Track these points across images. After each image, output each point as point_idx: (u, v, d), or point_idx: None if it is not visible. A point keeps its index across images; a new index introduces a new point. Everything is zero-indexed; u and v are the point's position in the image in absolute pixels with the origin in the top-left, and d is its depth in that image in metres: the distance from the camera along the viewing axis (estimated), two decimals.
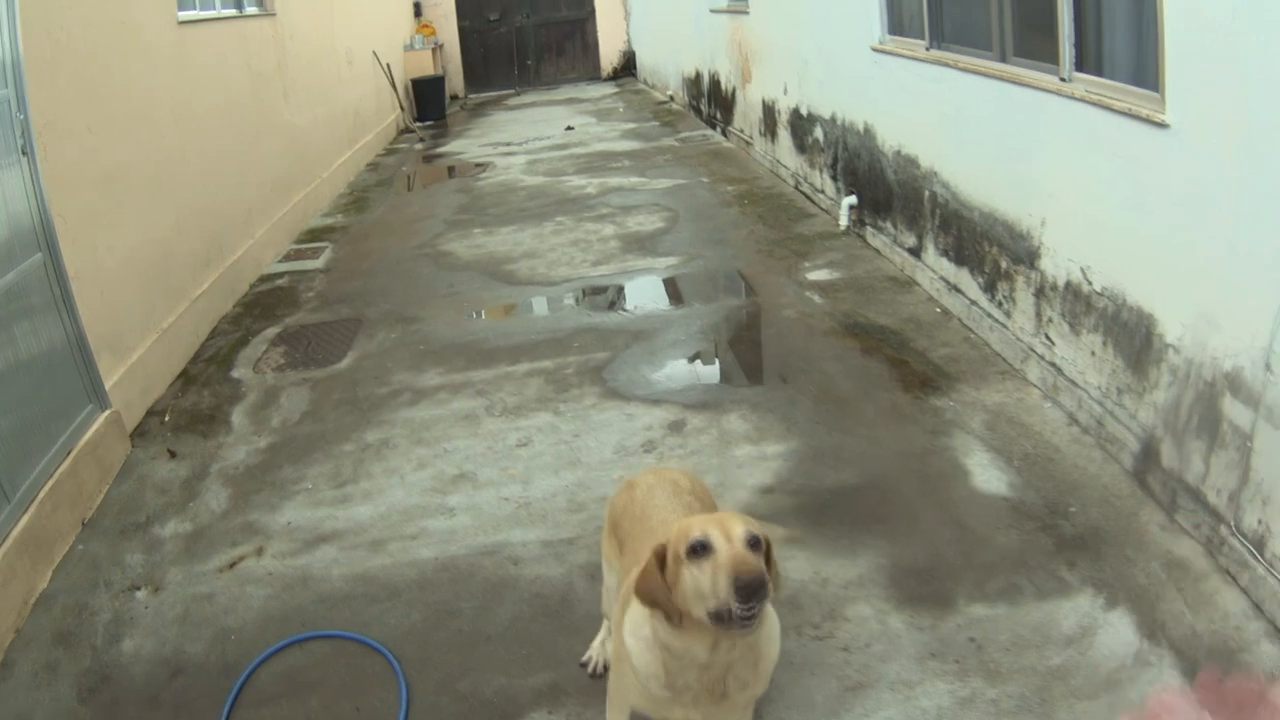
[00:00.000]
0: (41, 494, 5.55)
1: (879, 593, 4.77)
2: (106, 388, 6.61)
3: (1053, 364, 6.35)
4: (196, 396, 7.68)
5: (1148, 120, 5.03)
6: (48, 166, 6.09)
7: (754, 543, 2.80)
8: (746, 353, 7.88)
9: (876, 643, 4.45)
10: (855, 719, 4.06)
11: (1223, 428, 4.63)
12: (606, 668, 4.32)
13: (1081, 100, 5.72)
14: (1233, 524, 4.57)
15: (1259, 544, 4.39)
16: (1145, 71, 5.21)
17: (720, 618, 2.73)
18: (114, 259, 7.20)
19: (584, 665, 4.47)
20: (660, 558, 2.91)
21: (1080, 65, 5.89)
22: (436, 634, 4.78)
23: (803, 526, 5.31)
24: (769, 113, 13.54)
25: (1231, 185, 4.46)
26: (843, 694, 4.18)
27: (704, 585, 2.74)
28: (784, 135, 12.86)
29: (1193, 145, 4.73)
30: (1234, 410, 4.54)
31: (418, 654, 4.65)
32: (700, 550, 2.77)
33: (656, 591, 2.89)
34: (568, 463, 6.14)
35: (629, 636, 3.18)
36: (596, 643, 4.50)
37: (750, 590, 2.65)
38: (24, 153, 5.86)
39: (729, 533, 2.79)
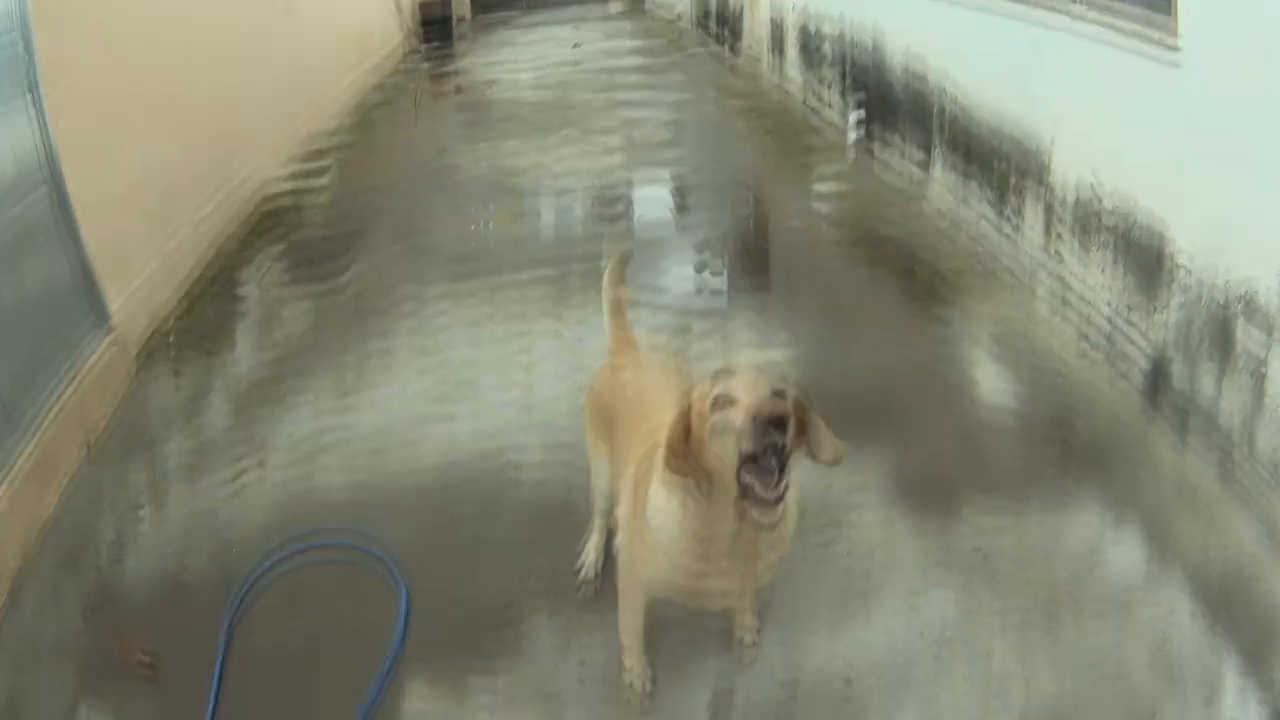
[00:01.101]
0: (46, 421, 5.50)
1: (884, 499, 4.73)
2: (111, 312, 6.55)
3: (1062, 279, 6.26)
4: (201, 315, 7.64)
5: (1159, 43, 4.94)
6: (52, 102, 6.00)
7: (780, 395, 2.73)
8: (752, 261, 7.83)
9: (881, 550, 4.42)
10: (859, 627, 4.03)
11: (1235, 351, 4.54)
12: (598, 575, 4.34)
13: (1093, 22, 5.61)
14: (1246, 449, 4.49)
15: (1273, 470, 4.32)
16: None
17: (743, 481, 2.67)
18: (118, 187, 7.09)
19: (577, 572, 4.42)
20: (685, 423, 2.83)
21: None
22: (437, 541, 4.77)
23: None
24: (777, 29, 13.37)
25: (1245, 108, 4.35)
26: (847, 600, 4.16)
27: (725, 434, 2.68)
28: (792, 51, 12.71)
29: (1205, 67, 4.63)
30: (1248, 335, 4.44)
31: (418, 561, 4.61)
32: (723, 402, 2.70)
33: (675, 442, 2.83)
34: (570, 369, 6.05)
35: (653, 512, 3.11)
36: (589, 546, 4.44)
37: (768, 426, 2.59)
38: (29, 90, 5.79)
39: (752, 385, 2.72)
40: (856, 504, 4.71)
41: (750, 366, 2.84)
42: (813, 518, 4.55)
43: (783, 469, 2.68)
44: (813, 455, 2.94)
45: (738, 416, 2.64)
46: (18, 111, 5.70)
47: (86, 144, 6.56)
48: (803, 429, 2.86)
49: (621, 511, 3.51)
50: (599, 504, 4.30)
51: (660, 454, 2.96)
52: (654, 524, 3.12)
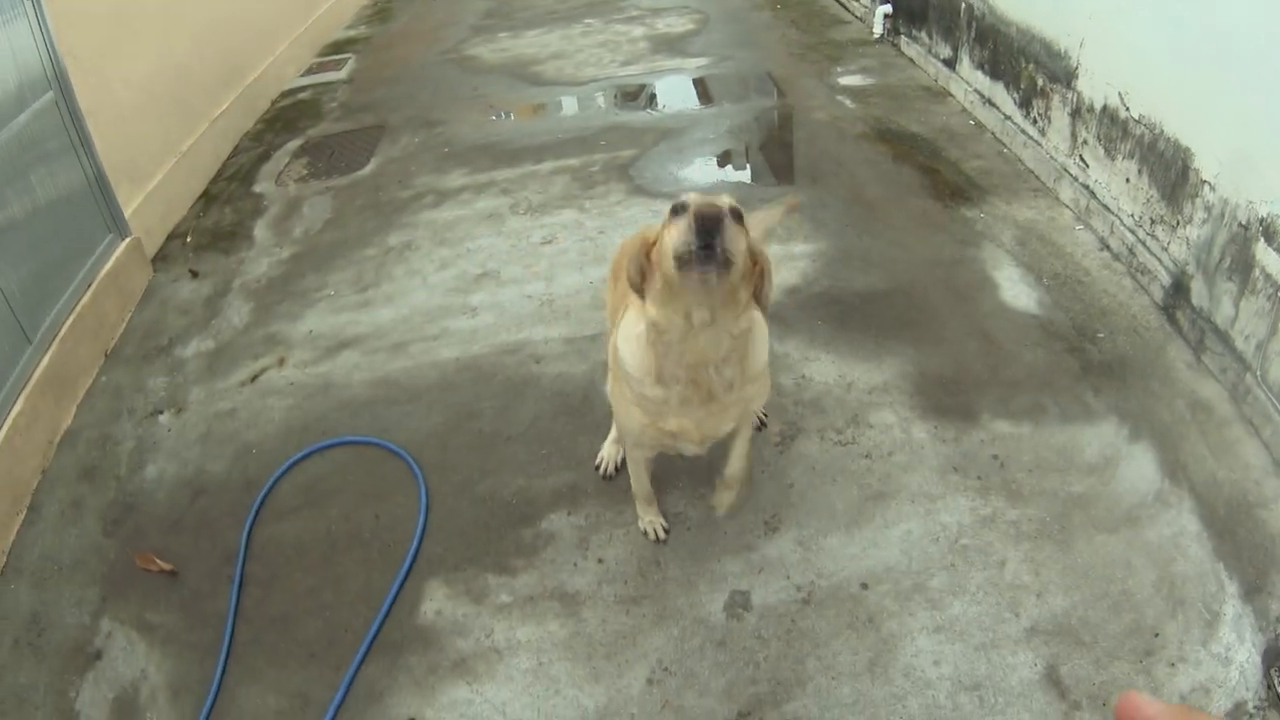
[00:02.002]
0: (63, 331, 5.50)
1: (904, 400, 4.71)
2: (126, 216, 6.52)
3: (1086, 186, 6.18)
4: (218, 215, 7.60)
5: None
6: (55, 4, 5.90)
7: (735, 214, 2.88)
8: (775, 153, 7.67)
9: (899, 452, 4.40)
10: (875, 529, 4.03)
11: (1254, 274, 4.49)
12: (618, 469, 4.45)
13: None
14: (1259, 374, 4.47)
15: None
16: None
17: (683, 260, 2.79)
18: (129, 90, 7.05)
19: (597, 468, 4.48)
20: (650, 241, 3.05)
21: None
22: (457, 436, 4.75)
23: (828, 328, 5.24)
24: None
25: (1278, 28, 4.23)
26: (864, 502, 4.16)
27: (676, 235, 2.81)
28: None
29: None
30: (1267, 258, 4.39)
31: (437, 457, 4.62)
32: (679, 210, 2.85)
33: (642, 263, 3.07)
34: (592, 259, 6.05)
35: (621, 341, 3.35)
36: (608, 443, 4.54)
37: (706, 222, 2.73)
38: None
39: (699, 197, 2.85)
40: (876, 403, 4.69)
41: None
42: (833, 416, 4.62)
43: (721, 253, 2.80)
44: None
45: (687, 222, 2.77)
46: (17, 15, 5.61)
47: (95, 46, 6.54)
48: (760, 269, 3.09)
49: (609, 355, 3.68)
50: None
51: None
52: (622, 354, 3.34)
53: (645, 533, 4.10)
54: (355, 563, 4.13)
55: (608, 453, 4.51)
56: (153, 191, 7.12)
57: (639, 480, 3.96)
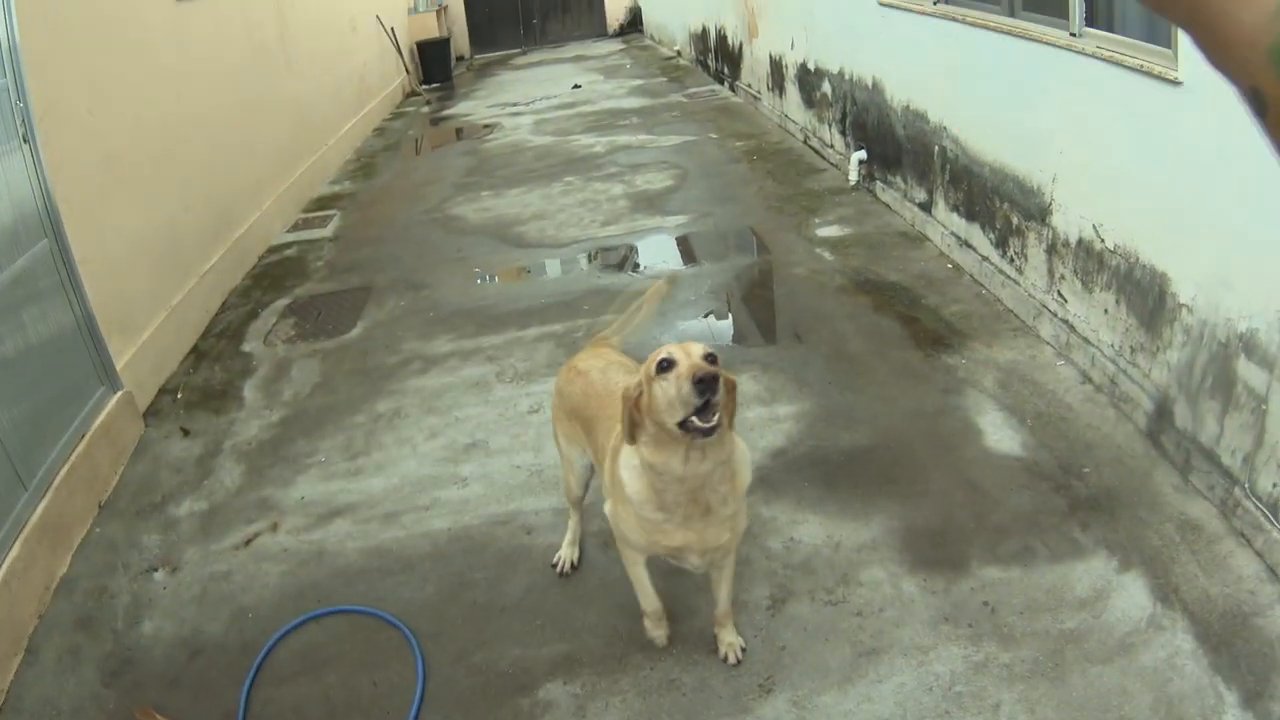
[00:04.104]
0: (58, 479, 5.56)
1: (892, 556, 4.76)
2: (118, 368, 6.59)
3: (1065, 321, 6.28)
4: (208, 372, 7.66)
5: (1160, 77, 4.94)
6: (50, 152, 6.05)
7: (711, 358, 3.25)
8: (758, 311, 7.80)
9: (890, 607, 4.44)
10: (869, 685, 4.05)
11: (1237, 389, 4.57)
12: (574, 567, 4.91)
13: (1092, 56, 5.61)
14: (1247, 486, 4.52)
15: (1273, 507, 4.35)
16: (1158, 27, 5.09)
17: (685, 423, 3.19)
18: (121, 240, 7.17)
19: (554, 566, 4.84)
20: (635, 396, 3.38)
21: (1090, 20, 5.78)
22: (451, 606, 4.79)
23: (815, 489, 5.30)
24: (776, 68, 13.42)
25: (1247, 143, 4.29)
26: (856, 659, 4.18)
27: (670, 392, 3.19)
28: (792, 90, 12.75)
29: (1206, 102, 4.61)
30: (1249, 372, 4.47)
31: (433, 627, 4.65)
32: (666, 366, 3.24)
33: (633, 416, 3.40)
34: None
35: (622, 470, 3.66)
36: (565, 542, 4.96)
37: (705, 384, 3.10)
38: (25, 140, 5.83)
39: (689, 350, 3.27)
40: (865, 561, 4.74)
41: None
42: (822, 576, 4.67)
43: (716, 409, 3.19)
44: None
45: (681, 382, 3.16)
46: (15, 161, 5.74)
47: (87, 196, 6.67)
48: (730, 389, 3.40)
49: (605, 481, 4.03)
50: (574, 495, 4.75)
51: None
52: (623, 479, 3.65)
53: (654, 639, 4.31)
54: None
55: (565, 553, 4.91)
56: (144, 344, 7.21)
57: (638, 576, 4.12)
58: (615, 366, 4.28)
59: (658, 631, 4.29)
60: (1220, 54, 1.08)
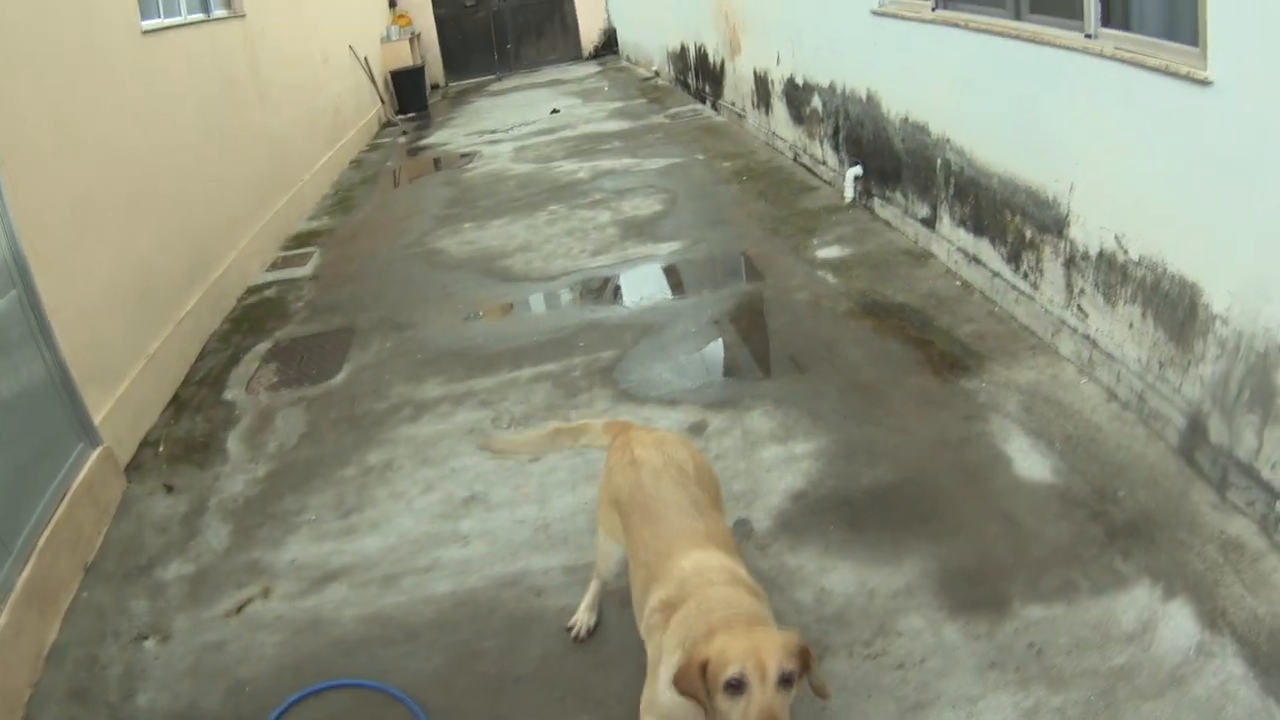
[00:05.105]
0: (41, 542, 5.41)
1: (930, 601, 4.56)
2: (96, 423, 6.41)
3: (1087, 337, 6.10)
4: (190, 423, 7.44)
5: (1187, 78, 4.75)
6: (15, 198, 5.88)
7: (787, 680, 3.00)
8: (762, 342, 7.56)
9: (932, 657, 4.25)
10: None
11: (1277, 401, 4.42)
12: (590, 632, 4.63)
13: (1111, 58, 5.44)
14: None
15: None
16: (1180, 25, 4.95)
17: None
18: (93, 287, 6.97)
19: (569, 629, 4.59)
20: (702, 667, 3.06)
21: (1106, 20, 5.62)
22: (461, 678, 4.57)
23: (842, 532, 5.09)
24: (761, 84, 13.26)
25: None
26: (902, 716, 4.02)
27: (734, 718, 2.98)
28: (779, 106, 12.59)
29: (1239, 102, 4.47)
30: None
31: (443, 701, 4.45)
32: (735, 687, 2.98)
33: (695, 693, 3.08)
34: (585, 477, 5.82)
35: (664, 691, 3.33)
36: (583, 607, 4.67)
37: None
38: None
39: (764, 670, 2.98)
40: (902, 608, 4.54)
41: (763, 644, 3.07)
42: (858, 629, 4.47)
43: None
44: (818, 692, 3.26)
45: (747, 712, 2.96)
46: None
47: (56, 242, 6.52)
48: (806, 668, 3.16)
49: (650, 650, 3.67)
50: (603, 574, 4.47)
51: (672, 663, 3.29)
52: (663, 700, 3.36)
53: None
54: None
55: (582, 618, 4.64)
56: (123, 396, 7.00)
57: None
58: (672, 469, 3.96)
59: None
60: None
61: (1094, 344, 6.02)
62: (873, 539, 5.00)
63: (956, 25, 7.37)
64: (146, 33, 9.03)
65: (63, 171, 6.84)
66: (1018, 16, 6.61)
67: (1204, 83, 4.64)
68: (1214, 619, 4.13)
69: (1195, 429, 5.06)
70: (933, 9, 7.88)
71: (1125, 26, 5.50)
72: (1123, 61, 5.32)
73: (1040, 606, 4.39)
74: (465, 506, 5.81)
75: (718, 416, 6.32)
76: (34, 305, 5.93)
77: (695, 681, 3.05)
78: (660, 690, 3.35)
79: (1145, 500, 4.94)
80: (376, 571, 5.36)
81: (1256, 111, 4.34)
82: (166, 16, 9.93)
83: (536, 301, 9.05)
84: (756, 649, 3.01)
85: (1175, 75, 4.84)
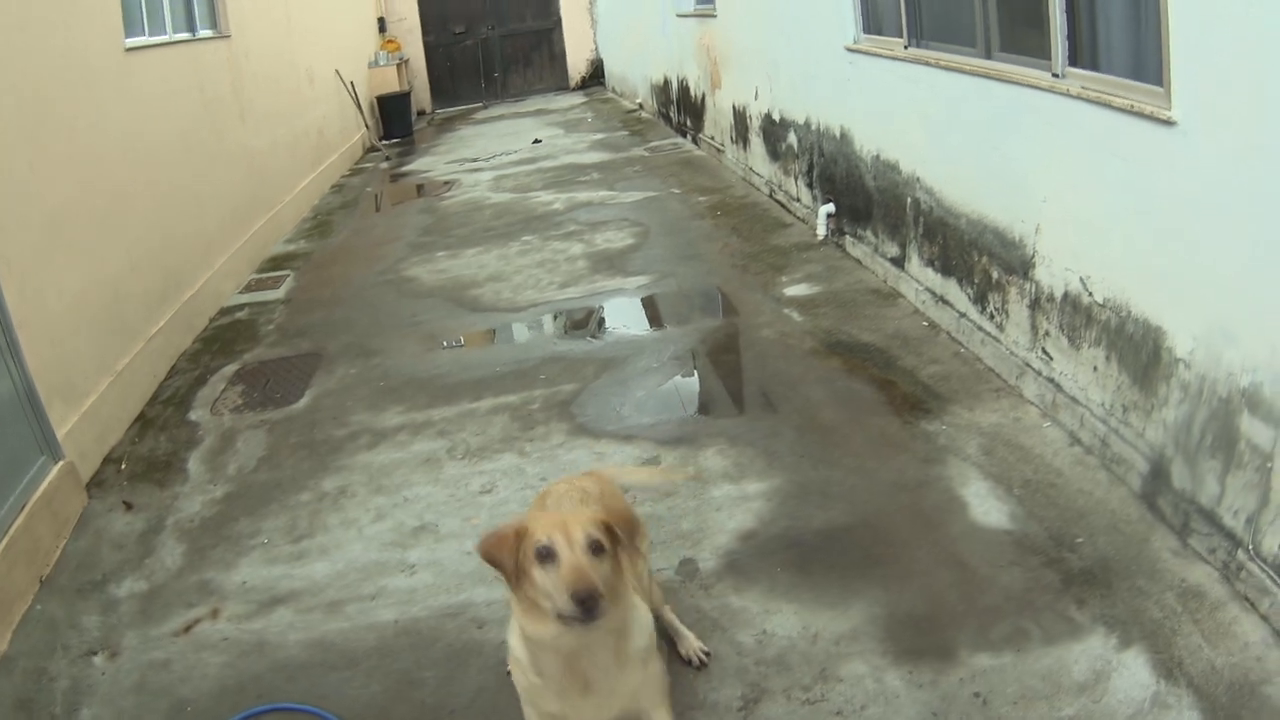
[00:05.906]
0: None
1: (874, 647, 4.51)
2: (59, 437, 6.41)
3: (1051, 380, 6.10)
4: (153, 442, 7.43)
5: (1151, 118, 4.76)
6: None
7: (596, 547, 3.11)
8: (724, 379, 7.59)
9: (873, 704, 4.20)
10: None
11: (1239, 447, 4.40)
12: None
13: (1077, 98, 5.45)
14: (1251, 548, 4.37)
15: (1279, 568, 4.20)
16: (1146, 65, 4.96)
17: (562, 617, 3.02)
18: (62, 301, 6.97)
19: (509, 672, 4.42)
20: (518, 538, 3.17)
21: (1074, 60, 5.63)
22: (398, 706, 4.54)
23: (789, 574, 5.05)
24: (740, 119, 13.30)
25: (1248, 186, 4.20)
26: None
27: (548, 588, 3.05)
28: (756, 142, 12.63)
29: (1203, 143, 4.47)
30: (1252, 428, 4.31)
31: None
32: (545, 555, 3.08)
33: (500, 561, 3.20)
34: None
35: (509, 635, 3.50)
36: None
37: (584, 601, 2.95)
38: None
39: (571, 538, 3.09)
40: (845, 654, 4.48)
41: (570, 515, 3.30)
42: (798, 673, 4.42)
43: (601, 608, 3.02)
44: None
45: (559, 587, 3.02)
46: None
47: (27, 256, 6.52)
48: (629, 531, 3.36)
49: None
50: None
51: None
52: (510, 642, 3.48)
53: None
54: None
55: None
56: (87, 412, 6.98)
57: None
58: (575, 495, 3.97)
59: None
60: None
61: (1058, 387, 6.01)
62: (821, 582, 4.95)
63: (928, 64, 7.39)
64: (130, 50, 9.05)
65: (38, 186, 6.85)
66: (988, 55, 6.62)
67: (1168, 123, 4.64)
68: (1170, 669, 4.10)
69: (1158, 474, 5.05)
70: (904, 46, 7.90)
71: (1093, 66, 5.50)
72: (1089, 101, 5.32)
73: (989, 655, 4.33)
74: (415, 536, 5.79)
75: (671, 453, 6.30)
76: (2, 317, 5.93)
77: (505, 551, 3.15)
78: (508, 631, 3.51)
79: (1104, 547, 4.91)
80: (323, 597, 5.34)
81: (1218, 153, 4.35)
82: (151, 35, 9.96)
83: (502, 333, 9.04)
84: (563, 521, 3.16)
85: (1140, 115, 4.85)
